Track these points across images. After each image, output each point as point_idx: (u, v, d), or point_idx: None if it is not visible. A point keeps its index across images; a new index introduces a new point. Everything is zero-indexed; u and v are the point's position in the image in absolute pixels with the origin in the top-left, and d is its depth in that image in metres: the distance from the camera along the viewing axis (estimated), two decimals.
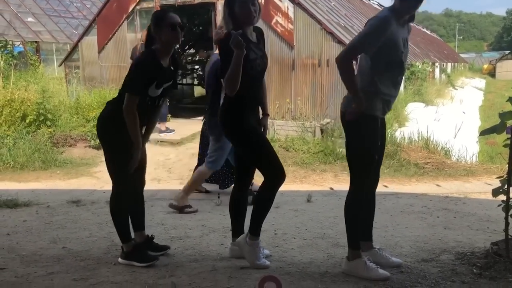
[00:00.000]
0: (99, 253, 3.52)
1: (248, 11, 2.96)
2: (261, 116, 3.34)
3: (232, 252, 3.32)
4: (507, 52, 43.33)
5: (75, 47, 11.73)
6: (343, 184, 6.07)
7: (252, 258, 3.12)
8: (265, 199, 3.11)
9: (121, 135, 3.05)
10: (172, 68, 3.21)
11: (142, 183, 3.39)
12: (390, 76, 2.87)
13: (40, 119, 8.16)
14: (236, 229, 3.33)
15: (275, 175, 3.05)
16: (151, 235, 3.42)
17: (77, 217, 4.65)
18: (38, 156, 7.25)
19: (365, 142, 2.86)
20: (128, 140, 3.05)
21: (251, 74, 3.00)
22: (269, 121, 3.49)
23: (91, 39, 11.20)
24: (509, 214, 2.94)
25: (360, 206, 2.99)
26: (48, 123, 8.19)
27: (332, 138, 7.83)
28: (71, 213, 4.79)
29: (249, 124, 3.09)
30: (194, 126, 9.70)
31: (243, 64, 2.87)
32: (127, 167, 3.10)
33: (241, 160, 3.29)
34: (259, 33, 3.20)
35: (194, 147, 8.05)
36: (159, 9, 10.38)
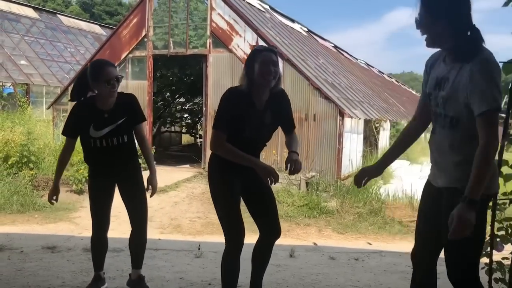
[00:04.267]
0: None
1: (265, 74, 2.78)
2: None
3: None
4: None
5: (64, 91, 11.80)
6: (327, 239, 5.99)
7: None
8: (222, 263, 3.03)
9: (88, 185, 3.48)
10: (119, 109, 3.23)
11: (136, 226, 3.43)
12: None
13: (23, 161, 8.04)
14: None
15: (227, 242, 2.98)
16: (144, 276, 3.57)
17: (51, 264, 4.47)
18: (16, 198, 7.08)
19: None
20: (92, 192, 3.40)
21: (239, 138, 2.82)
22: None
23: None
24: (493, 277, 2.90)
25: None
26: (31, 165, 8.07)
27: (317, 192, 7.81)
28: (45, 260, 4.61)
29: (225, 181, 2.92)
30: (179, 174, 9.64)
31: (236, 123, 2.79)
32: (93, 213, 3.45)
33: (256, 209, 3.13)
34: (277, 99, 2.94)
35: (177, 195, 7.96)
36: (151, 57, 10.58)
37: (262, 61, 2.78)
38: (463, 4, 2.09)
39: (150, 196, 3.43)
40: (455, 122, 2.14)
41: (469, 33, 2.09)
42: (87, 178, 3.51)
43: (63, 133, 3.29)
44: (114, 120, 3.22)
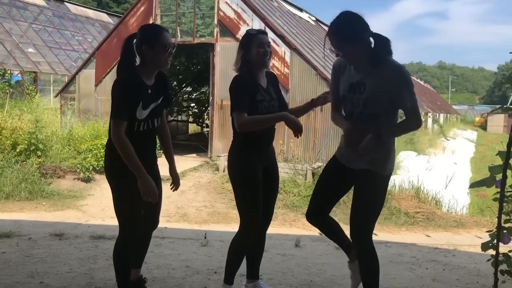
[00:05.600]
0: None
1: (263, 55, 2.94)
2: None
3: None
4: (497, 106, 44.23)
5: (72, 79, 11.83)
6: None
7: None
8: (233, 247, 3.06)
9: (121, 176, 2.70)
10: (158, 85, 2.86)
11: (155, 223, 3.08)
12: None
13: (31, 148, 8.10)
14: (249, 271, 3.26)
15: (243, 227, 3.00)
16: (145, 278, 3.24)
17: (59, 251, 4.52)
18: (25, 186, 7.14)
19: None
20: (131, 182, 2.65)
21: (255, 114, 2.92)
22: None
23: (89, 72, 11.32)
24: (499, 269, 2.89)
25: None
26: (39, 153, 8.12)
27: None
28: (53, 247, 4.66)
29: (249, 167, 2.97)
30: (185, 163, 9.67)
31: (251, 105, 2.88)
32: (131, 210, 2.75)
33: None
34: (272, 78, 3.14)
35: (184, 184, 7.98)
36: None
37: (259, 43, 2.95)
38: (363, 24, 2.58)
39: (174, 190, 3.16)
40: (374, 117, 2.63)
41: (373, 42, 2.59)
42: (117, 175, 2.77)
43: (117, 118, 2.63)
44: (156, 97, 2.82)
